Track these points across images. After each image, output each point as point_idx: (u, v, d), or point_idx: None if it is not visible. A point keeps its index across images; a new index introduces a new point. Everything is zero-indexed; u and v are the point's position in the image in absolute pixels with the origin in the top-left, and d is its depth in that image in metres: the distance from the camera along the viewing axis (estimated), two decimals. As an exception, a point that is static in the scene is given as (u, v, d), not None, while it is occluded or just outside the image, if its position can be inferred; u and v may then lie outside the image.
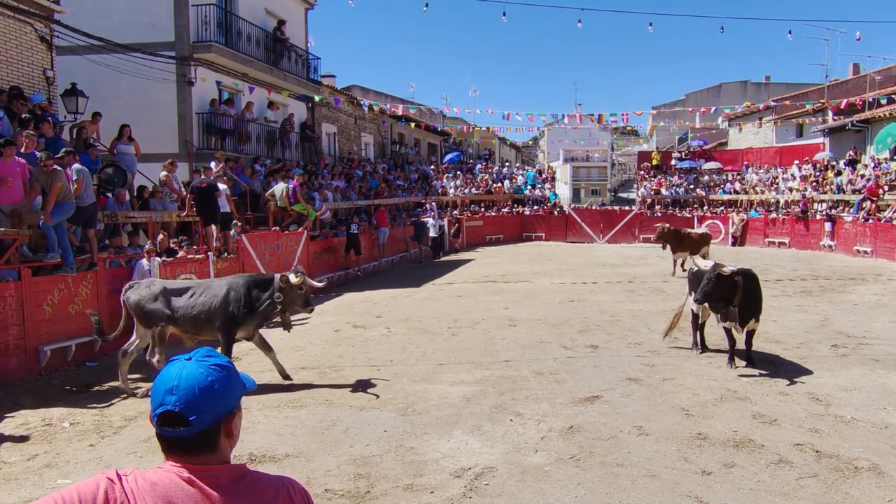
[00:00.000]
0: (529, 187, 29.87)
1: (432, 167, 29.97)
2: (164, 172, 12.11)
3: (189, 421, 1.41)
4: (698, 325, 8.55)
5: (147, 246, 9.78)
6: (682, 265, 16.27)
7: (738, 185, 27.41)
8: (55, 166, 8.42)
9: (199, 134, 15.96)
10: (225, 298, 7.16)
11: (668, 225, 17.13)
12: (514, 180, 30.15)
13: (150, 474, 1.41)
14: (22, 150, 8.66)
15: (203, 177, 11.83)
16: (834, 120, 25.39)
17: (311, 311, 7.60)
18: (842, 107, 22.74)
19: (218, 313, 7.15)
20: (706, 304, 8.10)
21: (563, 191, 42.87)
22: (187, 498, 1.38)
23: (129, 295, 7.29)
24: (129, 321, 7.52)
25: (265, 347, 7.60)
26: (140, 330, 7.37)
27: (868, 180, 21.14)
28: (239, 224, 13.19)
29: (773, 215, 24.47)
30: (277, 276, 7.32)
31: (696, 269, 8.49)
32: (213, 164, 13.49)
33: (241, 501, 1.43)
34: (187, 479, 1.40)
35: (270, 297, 7.23)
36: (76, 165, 9.11)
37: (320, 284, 8.15)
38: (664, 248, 16.71)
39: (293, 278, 7.19)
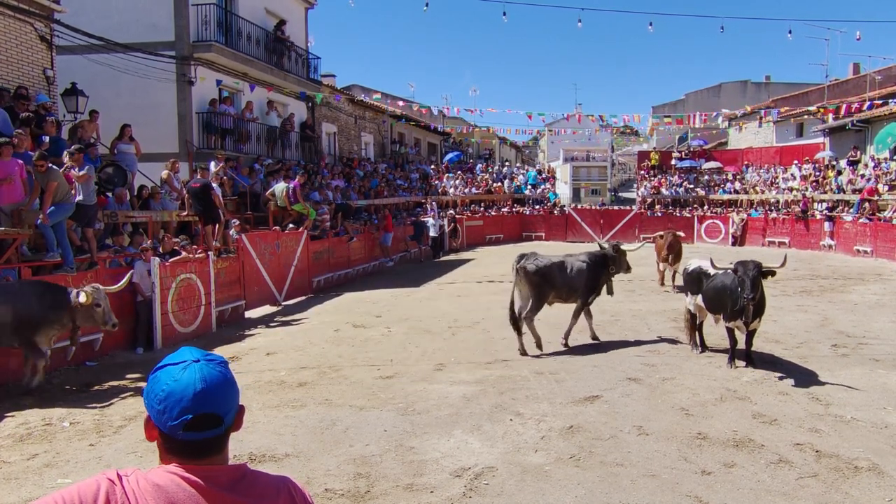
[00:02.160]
0: (529, 187, 29.86)
1: (432, 167, 29.96)
2: (166, 172, 12.12)
3: (223, 421, 1.43)
4: (697, 325, 8.55)
5: (143, 245, 9.77)
6: (664, 274, 14.36)
7: (738, 185, 27.40)
8: (51, 165, 8.41)
9: (199, 134, 15.95)
10: (590, 271, 8.65)
11: (679, 231, 14.70)
12: (514, 180, 30.13)
13: (152, 475, 1.40)
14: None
15: (199, 177, 11.84)
16: (834, 119, 25.37)
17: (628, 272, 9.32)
18: (841, 114, 22.78)
19: (583, 283, 8.67)
20: (703, 305, 8.10)
21: (563, 190, 42.93)
22: (190, 499, 1.38)
23: (526, 265, 8.57)
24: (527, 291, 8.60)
25: (589, 312, 9.10)
26: (525, 293, 8.59)
27: (868, 180, 21.12)
28: (238, 223, 13.19)
29: (773, 215, 24.45)
30: (611, 247, 8.97)
31: (691, 269, 8.44)
32: (212, 165, 13.48)
33: (244, 499, 1.43)
34: (190, 480, 1.40)
35: (608, 267, 8.81)
36: (89, 166, 9.17)
37: (637, 246, 9.95)
38: (672, 261, 13.82)
39: (621, 247, 9.07)
